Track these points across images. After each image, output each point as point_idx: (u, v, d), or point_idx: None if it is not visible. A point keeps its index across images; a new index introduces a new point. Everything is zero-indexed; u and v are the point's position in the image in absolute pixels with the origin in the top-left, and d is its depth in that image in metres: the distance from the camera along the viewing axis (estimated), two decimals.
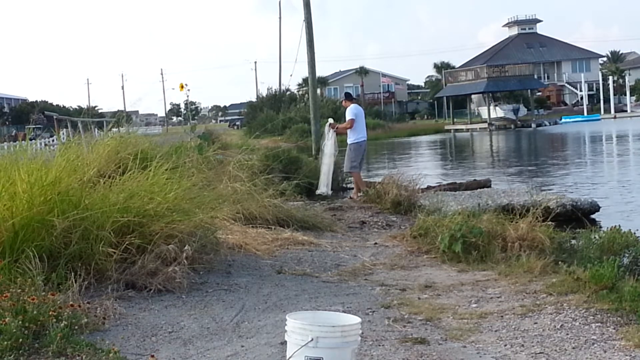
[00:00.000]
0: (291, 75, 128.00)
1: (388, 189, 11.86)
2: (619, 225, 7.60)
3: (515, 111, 68.99)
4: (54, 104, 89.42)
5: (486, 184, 15.15)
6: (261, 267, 7.38)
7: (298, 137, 46.96)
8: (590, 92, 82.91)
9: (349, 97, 14.43)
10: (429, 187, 14.20)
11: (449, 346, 4.83)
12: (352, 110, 13.72)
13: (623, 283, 5.69)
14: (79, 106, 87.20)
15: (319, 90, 51.35)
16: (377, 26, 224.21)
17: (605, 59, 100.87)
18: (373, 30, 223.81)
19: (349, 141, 13.67)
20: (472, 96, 76.87)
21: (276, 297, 6.20)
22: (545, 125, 64.28)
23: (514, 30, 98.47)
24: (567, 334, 4.96)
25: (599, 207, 12.01)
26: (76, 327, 4.88)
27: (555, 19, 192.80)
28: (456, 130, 67.38)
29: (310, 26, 23.57)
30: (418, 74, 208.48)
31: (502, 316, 5.48)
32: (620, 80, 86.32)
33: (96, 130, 15.07)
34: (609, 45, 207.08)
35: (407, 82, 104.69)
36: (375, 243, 8.98)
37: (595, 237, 7.35)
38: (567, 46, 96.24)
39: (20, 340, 4.50)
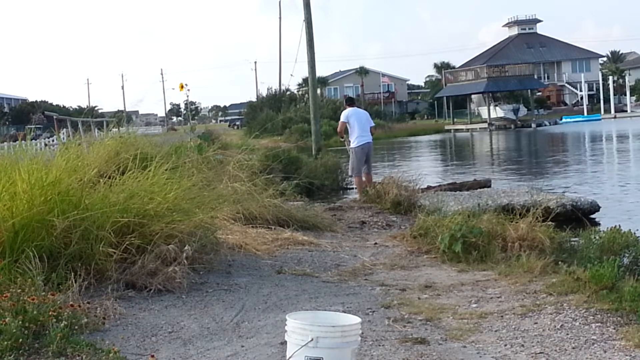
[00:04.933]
0: (292, 75, 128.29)
1: (388, 189, 11.87)
2: (619, 225, 7.60)
3: (515, 111, 68.93)
4: (54, 104, 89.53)
5: (486, 184, 15.14)
6: (261, 267, 7.38)
7: (298, 137, 46.98)
8: (590, 92, 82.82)
9: (347, 101, 14.63)
10: (429, 187, 14.19)
11: (449, 346, 4.83)
12: (344, 113, 13.89)
13: (623, 283, 5.69)
14: (79, 106, 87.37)
15: (319, 90, 51.37)
16: (378, 26, 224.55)
17: (605, 59, 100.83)
18: (373, 30, 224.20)
19: (351, 145, 13.68)
20: (472, 96, 76.83)
21: (276, 297, 6.20)
22: (545, 125, 64.24)
23: (514, 30, 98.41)
24: (567, 334, 4.96)
25: (599, 207, 12.00)
26: (76, 327, 4.88)
27: (555, 19, 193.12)
28: (456, 130, 67.35)
29: (310, 26, 23.59)
30: (418, 74, 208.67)
31: (502, 316, 5.48)
32: (620, 80, 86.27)
33: (96, 130, 15.09)
34: (609, 45, 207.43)
35: (407, 82, 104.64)
36: (375, 243, 8.98)
37: (595, 237, 7.35)
38: (567, 46, 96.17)
39: (20, 340, 4.50)
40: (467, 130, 66.56)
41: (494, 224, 7.96)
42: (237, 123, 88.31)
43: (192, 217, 6.90)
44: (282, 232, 8.97)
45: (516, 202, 11.00)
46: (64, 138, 14.95)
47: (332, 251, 8.41)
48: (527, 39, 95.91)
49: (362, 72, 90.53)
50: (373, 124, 14.27)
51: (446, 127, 70.29)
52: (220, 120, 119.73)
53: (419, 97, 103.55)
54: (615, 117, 69.79)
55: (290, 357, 3.85)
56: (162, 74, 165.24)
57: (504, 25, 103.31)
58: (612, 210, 12.74)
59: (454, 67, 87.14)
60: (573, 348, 4.69)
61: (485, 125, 67.32)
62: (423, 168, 23.61)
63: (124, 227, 6.35)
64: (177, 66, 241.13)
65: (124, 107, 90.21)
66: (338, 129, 14.29)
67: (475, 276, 6.89)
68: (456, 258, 7.53)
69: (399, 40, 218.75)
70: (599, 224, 10.69)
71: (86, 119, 16.71)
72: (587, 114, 73.81)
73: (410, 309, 5.74)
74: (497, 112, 70.11)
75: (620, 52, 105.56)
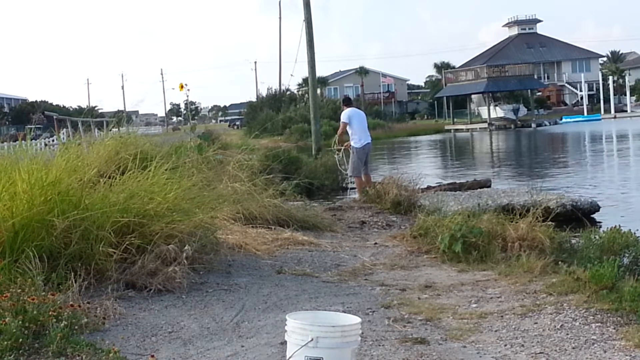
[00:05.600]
0: (292, 75, 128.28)
1: (388, 189, 11.86)
2: (619, 225, 7.60)
3: (515, 111, 68.95)
4: (54, 104, 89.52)
5: (486, 184, 15.15)
6: (261, 267, 7.38)
7: (298, 137, 47.07)
8: (590, 92, 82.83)
9: (344, 102, 14.46)
10: (429, 187, 14.21)
11: (449, 346, 4.83)
12: (345, 114, 13.78)
13: (623, 283, 5.69)
14: (79, 106, 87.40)
15: (319, 90, 51.37)
16: (378, 26, 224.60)
17: (605, 59, 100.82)
18: (373, 30, 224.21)
19: (352, 144, 13.67)
20: (472, 96, 76.83)
21: (276, 297, 6.20)
22: (545, 125, 64.27)
23: (514, 30, 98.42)
24: (567, 334, 4.96)
25: (599, 207, 12.00)
26: (76, 327, 4.88)
27: (555, 19, 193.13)
28: (456, 130, 67.39)
29: (310, 26, 23.60)
30: (418, 74, 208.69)
31: (502, 316, 5.48)
32: (620, 80, 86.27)
33: (96, 130, 15.08)
34: (609, 45, 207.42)
35: (407, 82, 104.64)
36: (375, 243, 8.98)
37: (595, 237, 7.35)
38: (567, 46, 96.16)
39: (20, 340, 4.50)
40: (467, 130, 66.57)
41: (494, 224, 7.96)
42: (237, 123, 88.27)
43: (192, 217, 6.89)
44: (282, 232, 8.97)
45: (516, 202, 11.00)
46: (64, 138, 14.95)
47: (332, 251, 8.41)
48: (527, 39, 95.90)
49: (362, 72, 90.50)
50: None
51: (446, 127, 70.30)
52: (220, 120, 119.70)
53: (419, 97, 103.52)
54: (615, 117, 69.79)
55: (290, 357, 3.85)
56: (162, 74, 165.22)
57: (504, 25, 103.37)
58: (612, 210, 12.75)
59: (454, 67, 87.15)
60: (573, 348, 4.69)
61: (485, 125, 67.34)
62: (423, 168, 23.61)
63: (124, 227, 6.35)
64: (177, 66, 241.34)
65: (124, 107, 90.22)
66: (339, 131, 14.24)
67: (475, 276, 6.89)
68: (456, 258, 7.53)
69: (399, 40, 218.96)
70: (599, 224, 10.70)
71: (86, 119, 16.72)
72: (587, 114, 73.81)
73: (410, 309, 5.74)
74: (497, 112, 70.12)
75: (620, 52, 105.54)
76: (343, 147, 14.39)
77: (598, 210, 11.93)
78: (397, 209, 11.37)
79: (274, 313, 5.66)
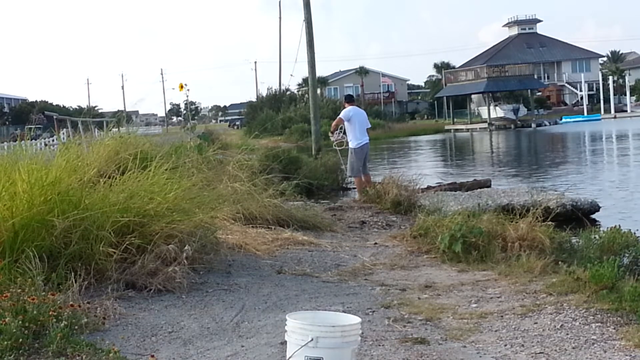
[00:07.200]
0: (292, 75, 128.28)
1: (388, 189, 11.86)
2: (619, 225, 7.60)
3: (515, 111, 68.99)
4: (54, 104, 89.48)
5: (486, 184, 15.15)
6: (261, 267, 7.39)
7: (298, 137, 47.04)
8: (590, 92, 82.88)
9: (346, 99, 14.45)
10: (429, 187, 14.19)
11: (449, 346, 4.83)
12: (346, 112, 13.77)
13: (623, 283, 5.69)
14: (79, 106, 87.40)
15: (319, 90, 51.37)
16: (378, 26, 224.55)
17: (605, 59, 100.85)
18: (373, 30, 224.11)
19: (350, 145, 13.68)
20: (472, 96, 76.86)
21: (276, 297, 6.21)
22: (545, 125, 64.30)
23: (514, 30, 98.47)
24: (567, 334, 4.96)
25: (599, 207, 12.01)
26: (76, 327, 4.88)
27: (555, 19, 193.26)
28: (456, 130, 67.40)
29: (310, 26, 23.63)
30: (418, 74, 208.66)
31: (502, 316, 5.48)
32: (620, 80, 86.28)
33: (96, 130, 15.09)
34: (609, 45, 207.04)
35: (407, 82, 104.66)
36: (375, 243, 8.98)
37: (595, 237, 7.35)
38: (567, 46, 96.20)
39: (20, 340, 4.50)
40: (467, 130, 66.58)
41: (494, 224, 7.96)
42: (237, 123, 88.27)
43: (192, 217, 6.89)
44: (282, 232, 8.97)
45: (516, 202, 11.00)
46: (63, 138, 14.96)
47: (332, 251, 8.41)
48: (527, 39, 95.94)
49: (362, 72, 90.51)
50: (369, 125, 14.30)
51: (446, 127, 70.30)
52: (220, 120, 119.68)
53: (419, 97, 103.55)
54: (615, 117, 69.83)
55: (290, 357, 3.85)
56: (162, 74, 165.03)
57: (504, 25, 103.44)
58: (612, 210, 12.75)
59: (454, 67, 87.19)
60: (573, 348, 4.69)
61: (485, 125, 67.35)
62: (423, 168, 23.60)
63: (124, 227, 6.35)
64: (177, 66, 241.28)
65: (124, 107, 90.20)
66: (334, 123, 14.35)
67: (475, 276, 6.89)
68: (456, 258, 7.53)
69: (399, 40, 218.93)
70: (599, 224, 10.69)
71: (86, 119, 16.71)
72: (587, 114, 73.86)
73: (410, 309, 5.74)
74: (497, 112, 70.15)
75: (620, 52, 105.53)
76: (340, 138, 14.42)
77: (598, 210, 11.94)
78: (397, 209, 11.37)
79: (274, 313, 5.66)
